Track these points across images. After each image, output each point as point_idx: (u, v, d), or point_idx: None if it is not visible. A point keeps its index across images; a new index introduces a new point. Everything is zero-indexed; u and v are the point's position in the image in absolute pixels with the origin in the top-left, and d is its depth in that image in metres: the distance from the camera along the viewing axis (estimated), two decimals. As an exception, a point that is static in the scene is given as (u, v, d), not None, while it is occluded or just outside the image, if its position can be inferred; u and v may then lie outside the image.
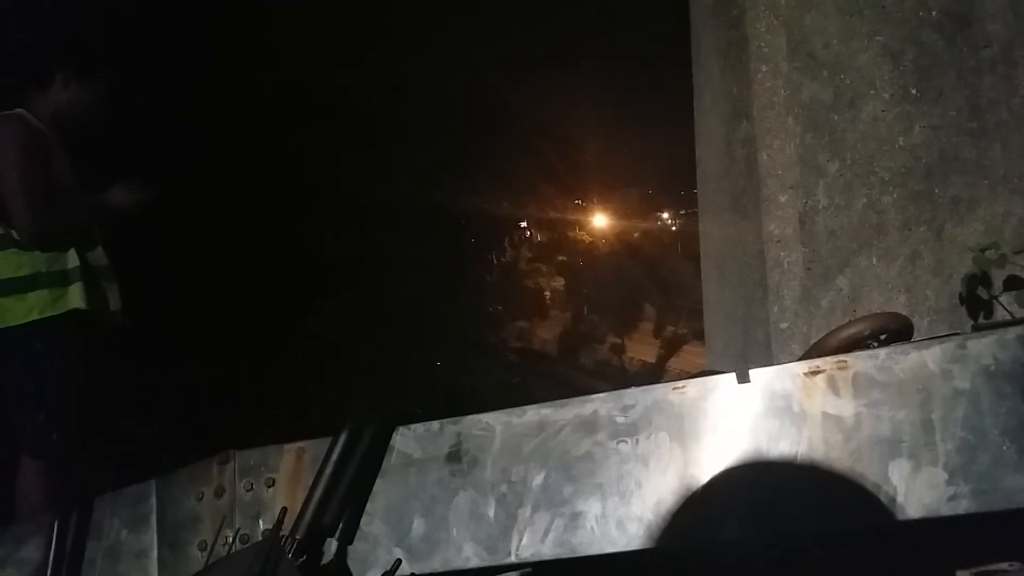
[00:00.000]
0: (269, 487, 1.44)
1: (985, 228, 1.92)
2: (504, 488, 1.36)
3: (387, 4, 5.60)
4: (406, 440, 1.43)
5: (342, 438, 1.38)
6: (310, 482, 1.37)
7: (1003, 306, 1.82)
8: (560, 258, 11.39)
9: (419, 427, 1.44)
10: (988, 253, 1.81)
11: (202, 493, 1.46)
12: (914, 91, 1.93)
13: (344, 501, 1.37)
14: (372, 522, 1.38)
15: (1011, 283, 1.81)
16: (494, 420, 1.41)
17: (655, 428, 1.35)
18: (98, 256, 2.45)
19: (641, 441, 1.35)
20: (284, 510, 1.37)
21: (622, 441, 1.36)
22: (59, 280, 2.33)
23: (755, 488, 1.30)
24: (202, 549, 1.43)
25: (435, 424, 1.43)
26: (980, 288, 1.85)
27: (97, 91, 2.52)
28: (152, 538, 1.47)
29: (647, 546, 1.29)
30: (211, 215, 4.46)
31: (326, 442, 1.40)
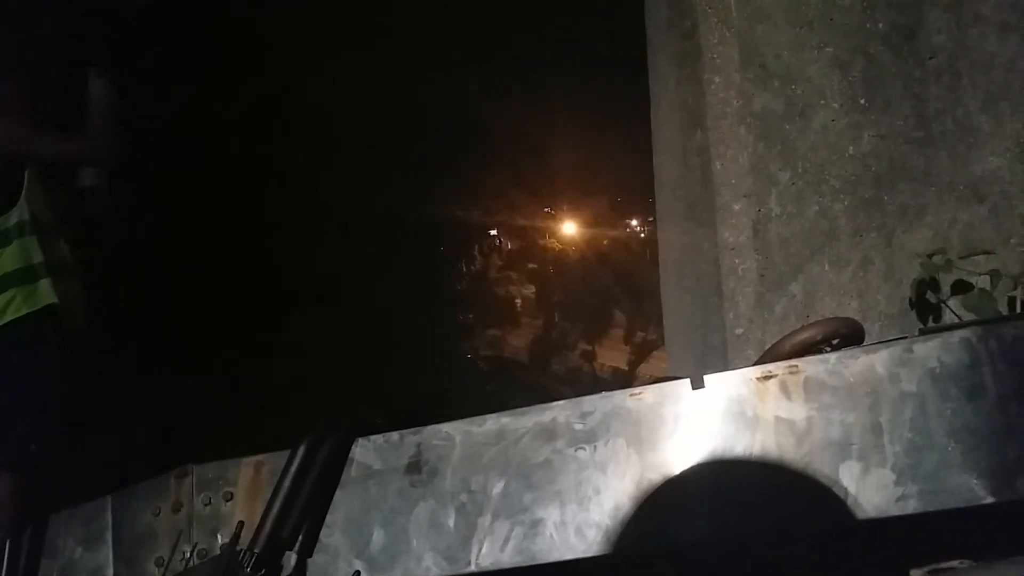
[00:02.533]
0: (227, 501, 1.43)
1: (933, 234, 1.96)
2: (464, 497, 1.37)
3: (356, 17, 5.59)
4: (366, 451, 1.43)
5: (300, 450, 1.38)
6: (269, 495, 1.37)
7: (951, 310, 1.87)
8: (531, 266, 11.37)
9: (379, 438, 1.44)
10: (936, 258, 1.85)
11: (159, 508, 1.45)
12: (863, 101, 1.97)
13: (303, 514, 1.36)
14: (332, 534, 1.38)
15: (958, 287, 1.86)
16: (454, 430, 1.42)
17: (613, 434, 1.37)
18: (64, 255, 2.43)
19: (599, 448, 1.37)
20: (242, 524, 1.37)
21: (580, 448, 1.38)
22: (27, 277, 2.30)
23: (710, 492, 1.33)
24: (159, 565, 1.41)
25: (395, 435, 1.44)
26: (929, 293, 1.89)
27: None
28: (107, 555, 1.45)
29: (605, 552, 1.31)
30: (183, 225, 4.41)
31: (285, 455, 1.40)
